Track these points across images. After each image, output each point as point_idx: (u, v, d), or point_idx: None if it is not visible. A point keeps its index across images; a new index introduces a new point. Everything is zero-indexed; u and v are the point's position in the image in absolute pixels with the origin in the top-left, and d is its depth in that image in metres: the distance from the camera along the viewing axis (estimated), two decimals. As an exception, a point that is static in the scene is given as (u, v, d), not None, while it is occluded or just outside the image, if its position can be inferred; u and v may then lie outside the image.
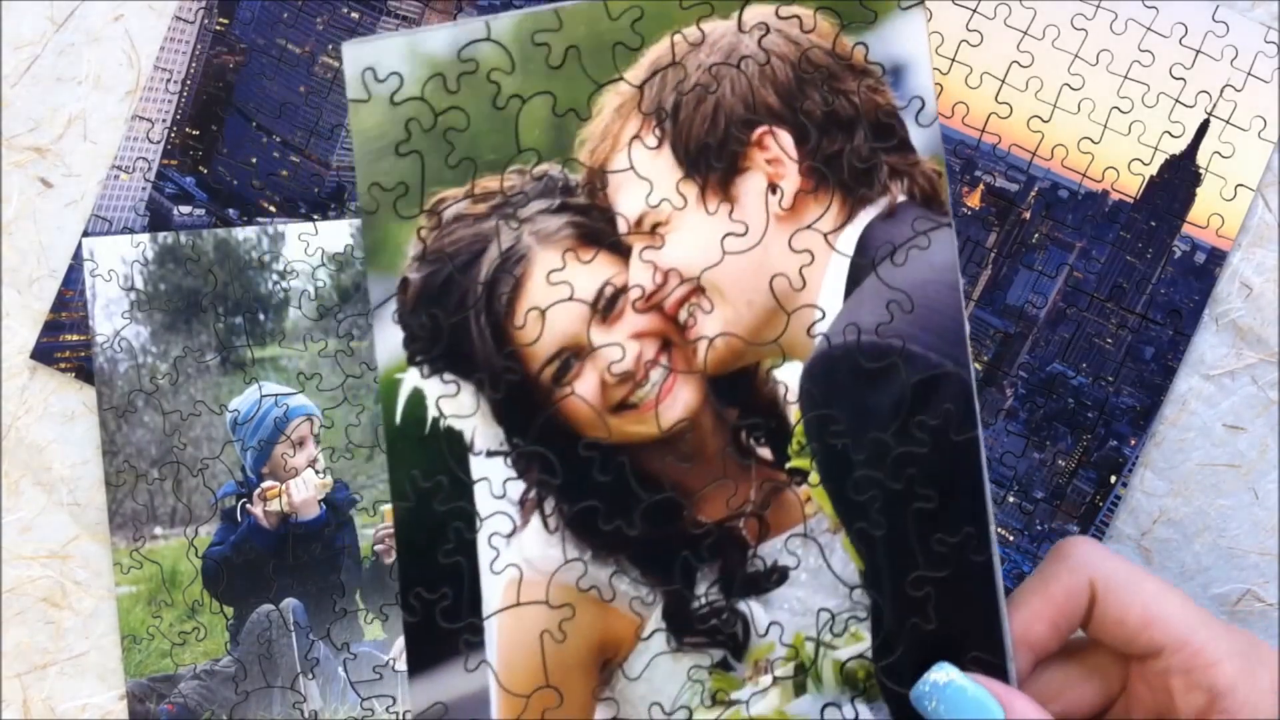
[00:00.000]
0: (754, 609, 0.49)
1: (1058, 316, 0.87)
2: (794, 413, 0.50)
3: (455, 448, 0.51)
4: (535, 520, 0.51)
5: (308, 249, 0.86)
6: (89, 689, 0.87)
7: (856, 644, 0.49)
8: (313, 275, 0.86)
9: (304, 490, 0.86)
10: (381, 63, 0.51)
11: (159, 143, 0.87)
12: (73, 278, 0.87)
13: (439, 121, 0.51)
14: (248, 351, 0.86)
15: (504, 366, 0.50)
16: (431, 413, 0.51)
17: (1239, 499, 0.85)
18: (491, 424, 0.51)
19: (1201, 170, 0.85)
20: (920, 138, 0.52)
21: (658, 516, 0.50)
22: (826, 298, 0.49)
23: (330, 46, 0.88)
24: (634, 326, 0.51)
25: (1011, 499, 0.87)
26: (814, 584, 0.49)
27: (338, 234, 0.86)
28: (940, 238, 0.49)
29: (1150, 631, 0.51)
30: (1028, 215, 0.87)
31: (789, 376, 0.51)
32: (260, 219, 0.87)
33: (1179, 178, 0.86)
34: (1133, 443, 0.86)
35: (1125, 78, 0.85)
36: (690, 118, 0.49)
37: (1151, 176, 0.86)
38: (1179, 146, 0.86)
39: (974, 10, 0.86)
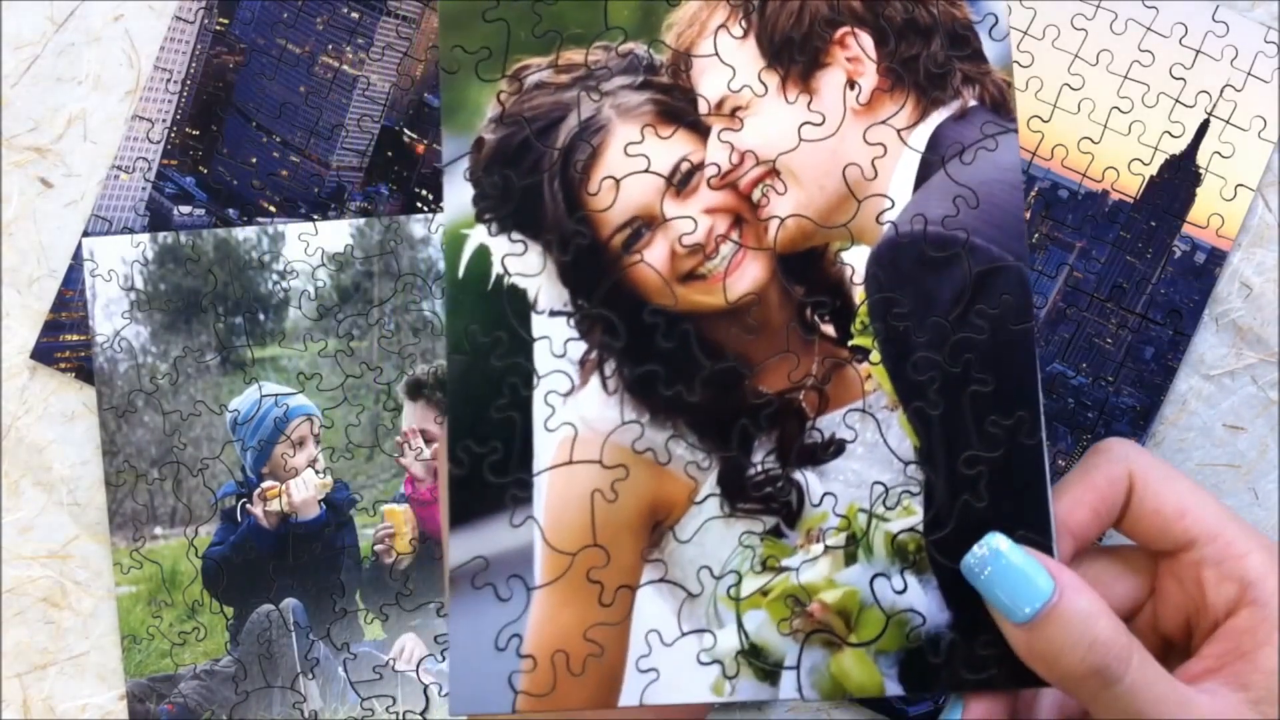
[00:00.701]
0: (809, 479, 0.50)
1: (1058, 316, 0.87)
2: (859, 294, 0.51)
3: (518, 305, 0.51)
4: (594, 381, 0.51)
5: (308, 249, 0.86)
6: (89, 689, 0.87)
7: (908, 517, 0.50)
8: (313, 275, 0.86)
9: (304, 490, 0.86)
10: None
11: (159, 143, 0.87)
12: (73, 278, 0.87)
13: None
14: (248, 351, 0.86)
15: (574, 230, 0.51)
16: (496, 269, 0.52)
17: (1239, 499, 0.85)
18: (557, 284, 0.52)
19: (1201, 170, 0.85)
20: (992, 50, 0.54)
21: (719, 384, 0.50)
22: (896, 188, 0.51)
23: (330, 46, 0.88)
24: (707, 202, 0.52)
25: (1011, 499, 0.87)
26: (870, 458, 0.50)
27: (338, 234, 0.86)
28: (1006, 141, 0.52)
29: (1185, 522, 0.52)
30: (1027, 215, 0.87)
31: (856, 259, 0.52)
32: (260, 219, 0.87)
33: (1179, 178, 0.86)
34: (1133, 443, 0.86)
35: (1125, 78, 0.85)
36: (777, 12, 0.51)
37: (1151, 176, 0.86)
38: (1179, 146, 0.86)
39: (974, 10, 0.86)
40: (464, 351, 0.51)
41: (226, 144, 0.88)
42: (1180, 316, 0.86)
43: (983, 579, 0.46)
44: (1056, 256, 0.87)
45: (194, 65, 0.88)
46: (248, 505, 0.86)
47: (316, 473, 0.86)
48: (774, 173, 0.52)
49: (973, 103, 0.53)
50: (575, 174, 0.51)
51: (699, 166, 0.52)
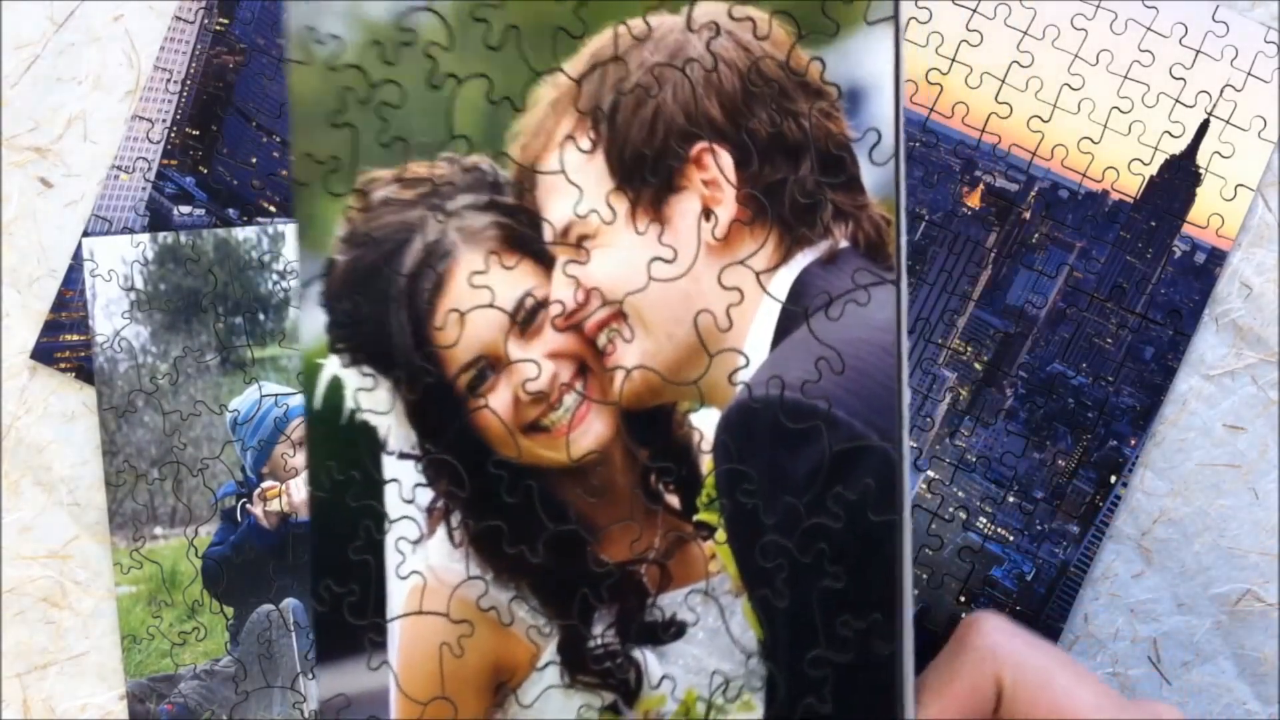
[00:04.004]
0: (649, 658, 0.48)
1: (1058, 316, 0.87)
2: (706, 462, 0.47)
3: (369, 444, 0.49)
4: (441, 531, 0.50)
5: (308, 249, 0.86)
6: (89, 689, 0.87)
7: (748, 713, 0.46)
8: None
9: (304, 490, 0.86)
10: (323, 22, 0.48)
11: (159, 143, 0.87)
12: (73, 278, 0.87)
13: (374, 94, 0.49)
14: (248, 351, 0.86)
15: (421, 367, 0.49)
16: (349, 404, 0.50)
17: (1239, 499, 0.85)
18: (405, 425, 0.50)
19: (1201, 170, 0.85)
20: (872, 176, 0.47)
21: (561, 548, 0.48)
22: (753, 343, 0.46)
23: (330, 46, 0.88)
24: (552, 345, 0.49)
25: (1011, 499, 0.87)
26: (711, 644, 0.47)
27: (338, 234, 0.86)
28: (882, 295, 0.45)
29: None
30: (1028, 215, 0.87)
31: (705, 423, 0.48)
32: (260, 219, 0.87)
33: (1179, 178, 0.86)
34: (1133, 443, 0.86)
35: (1125, 78, 0.85)
36: (628, 122, 0.46)
37: (1151, 176, 0.86)
38: (1179, 146, 0.86)
39: (974, 10, 0.86)
40: (323, 489, 0.49)
41: (226, 144, 0.88)
42: (1180, 316, 0.86)
43: None
44: (1056, 256, 0.87)
45: (194, 65, 0.88)
46: (248, 505, 0.86)
47: (316, 473, 0.86)
48: (621, 315, 0.48)
49: (844, 244, 0.46)
50: (421, 303, 0.48)
51: (544, 303, 0.49)
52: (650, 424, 0.49)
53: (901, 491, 0.44)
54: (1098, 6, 0.85)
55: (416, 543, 0.49)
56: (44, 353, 0.87)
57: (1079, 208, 0.87)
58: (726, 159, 0.46)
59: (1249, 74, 0.85)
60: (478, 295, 0.48)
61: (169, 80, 0.87)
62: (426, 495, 0.49)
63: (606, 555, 0.48)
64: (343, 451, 0.50)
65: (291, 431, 0.86)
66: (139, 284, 0.86)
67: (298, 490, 0.86)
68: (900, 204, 0.45)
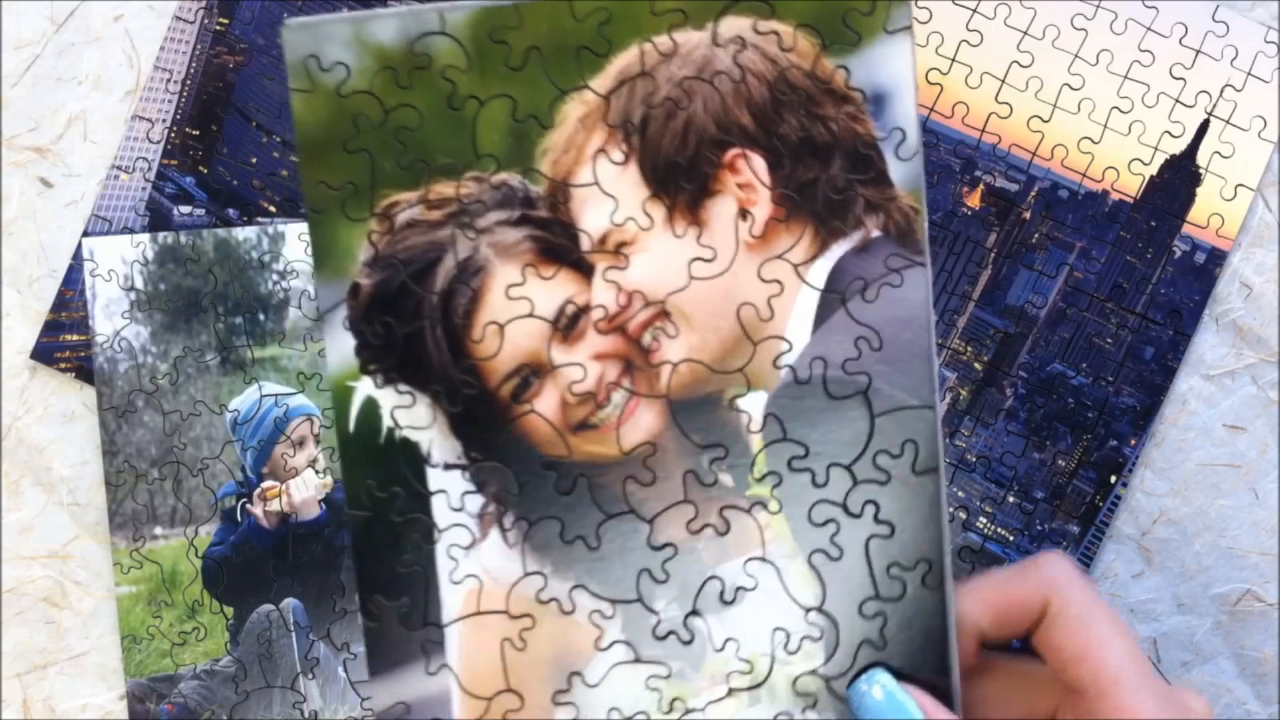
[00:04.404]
0: (711, 625, 0.50)
1: (1058, 316, 0.87)
2: (756, 441, 0.49)
3: (411, 459, 0.50)
4: (495, 533, 0.50)
5: (308, 249, 0.86)
6: (89, 689, 0.87)
7: (809, 661, 0.49)
8: (313, 275, 0.86)
9: (304, 490, 0.86)
10: (325, 51, 0.48)
11: (159, 143, 0.87)
12: (73, 278, 0.87)
13: (389, 119, 0.48)
14: (248, 351, 0.86)
15: (461, 380, 0.49)
16: (386, 423, 0.50)
17: (1239, 499, 0.85)
18: (449, 437, 0.50)
19: (1201, 170, 0.85)
20: (899, 171, 0.50)
21: (617, 534, 0.49)
22: (794, 329, 0.48)
23: (330, 46, 0.88)
24: (596, 347, 0.50)
25: (1011, 499, 0.87)
26: (770, 604, 0.49)
27: (338, 234, 0.86)
28: (913, 276, 0.48)
29: (1081, 668, 0.49)
30: (1028, 215, 0.87)
31: (753, 405, 0.50)
32: (260, 219, 0.87)
33: (1179, 178, 0.86)
34: (1133, 443, 0.86)
35: (1125, 78, 0.85)
36: (659, 134, 0.48)
37: (1151, 176, 0.86)
38: (1179, 146, 0.86)
39: (974, 10, 0.86)
40: (363, 508, 0.50)
41: (226, 144, 0.88)
42: (1180, 316, 0.86)
43: (860, 709, 0.48)
44: (1056, 256, 0.87)
45: (194, 65, 0.88)
46: (248, 505, 0.86)
47: (316, 473, 0.86)
48: (664, 314, 0.49)
49: (876, 233, 0.49)
50: (457, 320, 0.49)
51: (585, 309, 0.49)
52: (699, 411, 0.50)
53: (939, 447, 0.48)
54: (1098, 6, 0.85)
55: (469, 547, 0.50)
56: (44, 353, 0.87)
57: (1079, 208, 0.87)
58: (759, 162, 0.48)
59: (1249, 74, 0.85)
60: (516, 307, 0.49)
61: (169, 80, 0.87)
62: (476, 501, 0.50)
63: (664, 536, 0.49)
64: (383, 469, 0.49)
65: (292, 431, 0.86)
66: (139, 284, 0.86)
67: (298, 490, 0.86)
68: (923, 194, 0.49)
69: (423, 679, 0.49)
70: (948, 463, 0.87)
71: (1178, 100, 0.85)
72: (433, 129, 0.48)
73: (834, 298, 0.48)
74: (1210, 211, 0.85)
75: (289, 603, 0.85)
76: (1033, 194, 0.87)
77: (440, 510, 0.49)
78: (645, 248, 0.49)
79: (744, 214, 0.48)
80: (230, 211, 0.88)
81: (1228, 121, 0.85)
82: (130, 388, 0.86)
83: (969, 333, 0.88)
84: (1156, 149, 0.86)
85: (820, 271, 0.48)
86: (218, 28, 0.88)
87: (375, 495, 0.49)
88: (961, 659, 0.50)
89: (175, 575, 0.86)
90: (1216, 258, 0.86)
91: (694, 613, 0.50)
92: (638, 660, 0.49)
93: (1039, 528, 0.87)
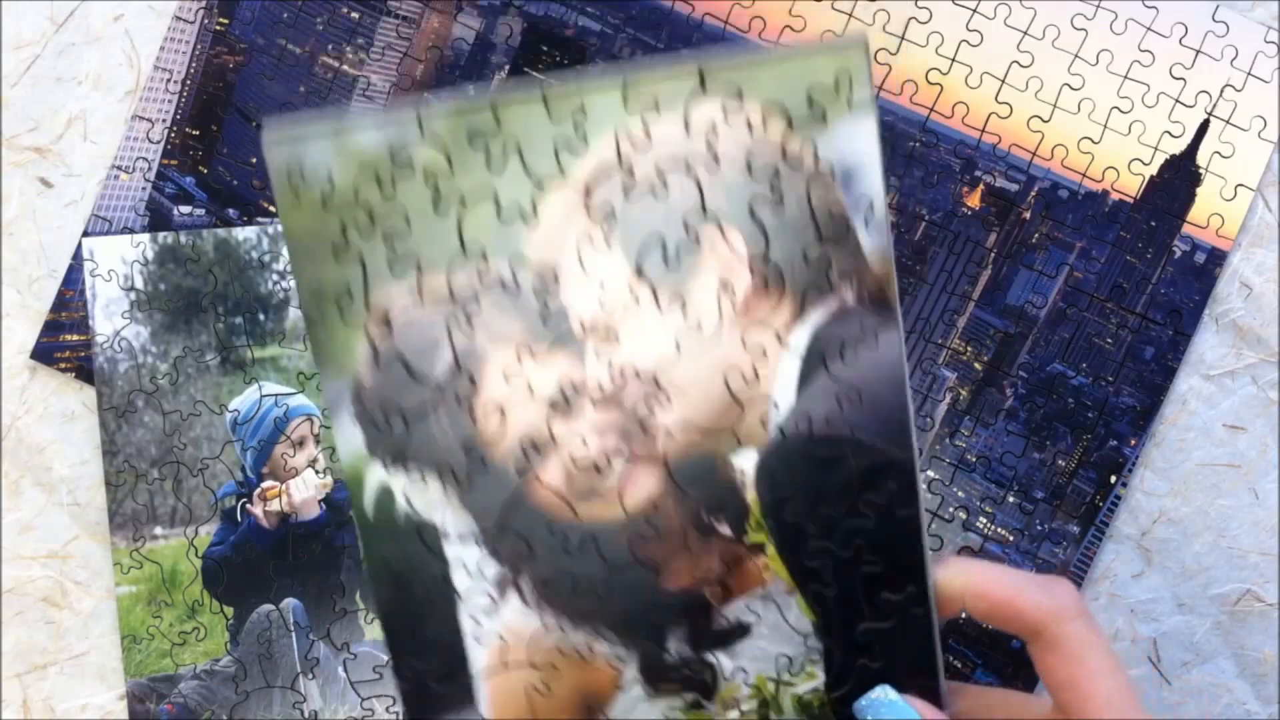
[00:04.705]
0: (720, 659, 0.54)
1: (1058, 316, 0.87)
2: (750, 494, 0.53)
3: (429, 535, 0.53)
4: (513, 594, 0.54)
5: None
6: (89, 689, 0.87)
7: (811, 681, 0.54)
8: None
9: (304, 490, 0.86)
10: (308, 164, 0.49)
11: (159, 143, 0.87)
12: (73, 278, 0.87)
13: (376, 223, 0.50)
14: (248, 351, 0.86)
15: (469, 459, 0.52)
16: (401, 504, 0.53)
17: (1239, 499, 0.85)
18: (462, 511, 0.53)
19: (1201, 170, 0.85)
20: (869, 239, 0.52)
21: (628, 586, 0.53)
22: (780, 390, 0.51)
23: (330, 46, 0.88)
24: (594, 420, 0.52)
25: (1011, 499, 0.87)
26: (773, 635, 0.54)
27: (338, 234, 0.86)
28: (888, 336, 0.51)
29: (1070, 694, 0.52)
30: (1028, 215, 0.87)
31: (745, 461, 0.53)
32: (260, 219, 0.88)
33: (1179, 178, 0.86)
34: (1133, 443, 0.86)
35: (1125, 78, 0.85)
36: (639, 219, 0.50)
37: (1151, 176, 0.86)
38: (1179, 146, 0.86)
39: (974, 10, 0.86)
40: (385, 582, 0.53)
41: (226, 144, 0.88)
42: (1180, 316, 0.86)
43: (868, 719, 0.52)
44: (1056, 256, 0.87)
45: (194, 65, 0.88)
46: (248, 505, 0.86)
47: (316, 473, 0.86)
48: (657, 387, 0.52)
49: (850, 299, 0.52)
50: (460, 405, 0.52)
51: (580, 387, 0.52)
52: (696, 469, 0.53)
53: (917, 490, 0.52)
54: (1098, 6, 0.85)
55: (490, 610, 0.53)
56: (44, 353, 0.87)
57: (1079, 208, 0.87)
58: (737, 236, 0.51)
59: (1249, 74, 0.85)
60: (515, 388, 0.52)
61: (169, 80, 0.87)
62: (493, 567, 0.53)
63: (671, 584, 0.53)
64: (401, 547, 0.53)
65: (292, 431, 0.86)
66: (139, 284, 0.86)
67: (298, 490, 0.86)
68: (891, 259, 0.52)
69: None
70: (949, 463, 0.87)
71: (1178, 100, 0.85)
72: (420, 229, 0.50)
73: (815, 360, 0.51)
74: (1210, 211, 0.85)
75: (289, 603, 0.85)
76: (1033, 194, 0.87)
77: (460, 578, 0.53)
78: (633, 325, 0.51)
79: (725, 286, 0.51)
80: (230, 211, 0.88)
81: (1228, 121, 0.85)
82: (130, 388, 0.86)
83: (969, 333, 0.88)
84: (1156, 149, 0.86)
85: (801, 337, 0.51)
86: (218, 28, 0.88)
87: (395, 571, 0.53)
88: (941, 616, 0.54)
89: (175, 575, 0.86)
90: (1216, 258, 0.86)
91: (704, 648, 0.54)
92: (658, 694, 0.54)
93: (1039, 528, 0.87)
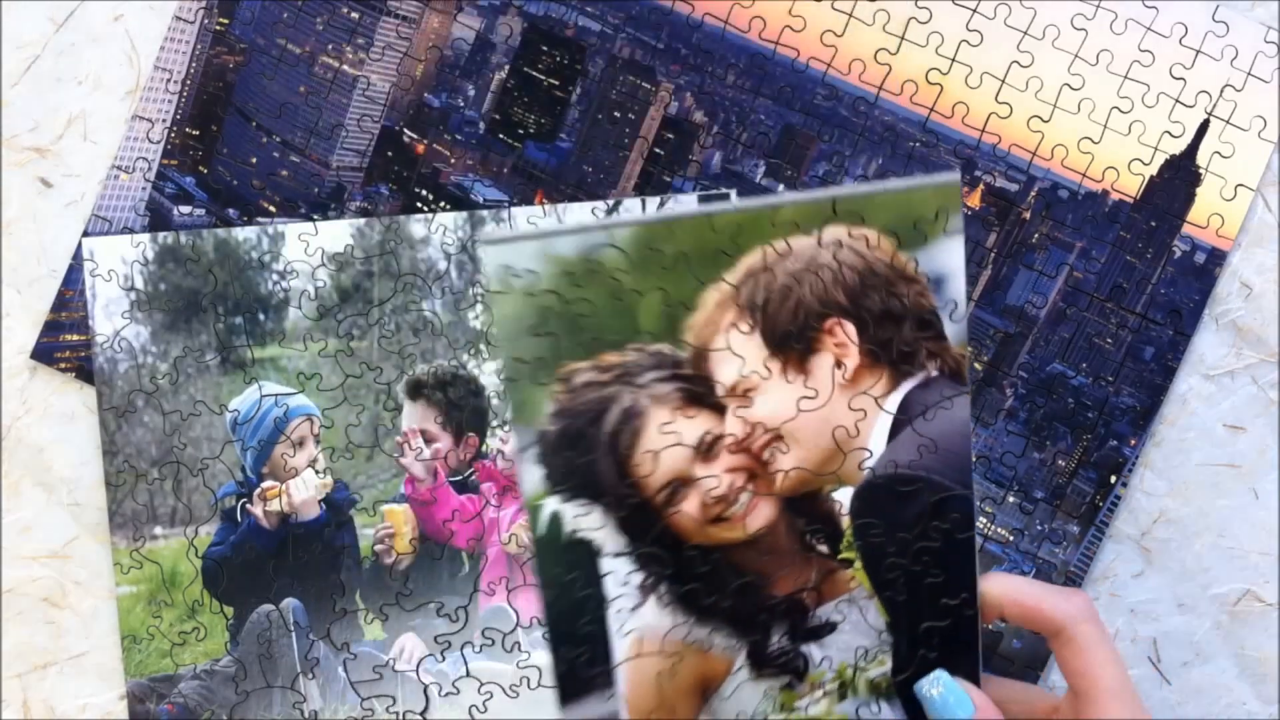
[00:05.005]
0: (812, 650, 0.68)
1: (1058, 316, 0.87)
2: (845, 521, 0.67)
3: (588, 551, 0.67)
4: (651, 599, 0.68)
5: (308, 249, 0.86)
6: (89, 689, 0.87)
7: (881, 667, 0.67)
8: (313, 275, 0.86)
9: (304, 490, 0.86)
10: (517, 260, 0.64)
11: (159, 143, 0.87)
12: (73, 278, 0.87)
13: (569, 309, 0.64)
14: (248, 351, 0.86)
15: (626, 494, 0.67)
16: (568, 527, 0.67)
17: (1239, 499, 0.85)
18: (617, 534, 0.67)
19: (1201, 170, 0.86)
20: (952, 329, 0.66)
21: (742, 593, 0.67)
22: (874, 442, 0.65)
23: (330, 46, 0.88)
24: (728, 463, 0.66)
25: (1011, 499, 0.87)
26: (854, 631, 0.68)
27: (337, 234, 0.86)
28: (960, 401, 0.65)
29: (1082, 680, 0.64)
30: (1028, 215, 0.87)
31: (843, 496, 0.67)
32: (260, 219, 0.88)
33: (1179, 178, 0.86)
34: (1133, 443, 0.86)
35: (1125, 78, 0.85)
36: (777, 311, 0.64)
37: (1151, 176, 0.86)
38: (1179, 146, 0.86)
39: (974, 10, 0.86)
40: (552, 588, 0.68)
41: (226, 144, 0.88)
42: (1180, 316, 0.86)
43: (929, 701, 0.66)
44: (1056, 256, 0.87)
45: (194, 65, 0.88)
46: (248, 505, 0.86)
47: (316, 473, 0.86)
48: (778, 438, 0.66)
49: (934, 373, 0.65)
50: (622, 451, 0.66)
51: (720, 437, 0.66)
52: (803, 502, 0.68)
53: (974, 519, 0.66)
54: (1098, 6, 0.85)
55: (633, 610, 0.67)
56: (44, 353, 0.87)
57: (1079, 208, 0.87)
58: (850, 328, 0.65)
59: (1249, 74, 0.85)
60: (668, 438, 0.66)
61: (169, 80, 0.87)
62: (638, 577, 0.68)
63: (777, 591, 0.68)
64: (566, 560, 0.67)
65: (292, 431, 0.86)
66: (139, 284, 0.86)
67: (298, 490, 0.86)
68: (966, 343, 0.67)
69: (600, 703, 0.68)
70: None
71: (1178, 100, 0.85)
72: (603, 315, 0.64)
73: (903, 419, 0.65)
74: (1210, 211, 0.86)
75: (289, 603, 0.85)
76: (1033, 194, 0.87)
77: (610, 586, 0.67)
78: (765, 391, 0.65)
79: (839, 364, 0.65)
80: (230, 211, 0.88)
81: (1228, 121, 0.85)
82: (130, 388, 0.86)
83: (969, 333, 0.88)
84: (1156, 149, 0.86)
85: (893, 401, 0.65)
86: (218, 28, 0.88)
87: (561, 579, 0.67)
88: (983, 620, 0.68)
89: (175, 575, 0.86)
90: (1216, 258, 0.86)
91: (799, 641, 0.68)
92: (760, 678, 0.67)
93: (1039, 528, 0.87)
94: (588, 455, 0.66)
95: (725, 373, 0.65)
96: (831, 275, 0.64)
